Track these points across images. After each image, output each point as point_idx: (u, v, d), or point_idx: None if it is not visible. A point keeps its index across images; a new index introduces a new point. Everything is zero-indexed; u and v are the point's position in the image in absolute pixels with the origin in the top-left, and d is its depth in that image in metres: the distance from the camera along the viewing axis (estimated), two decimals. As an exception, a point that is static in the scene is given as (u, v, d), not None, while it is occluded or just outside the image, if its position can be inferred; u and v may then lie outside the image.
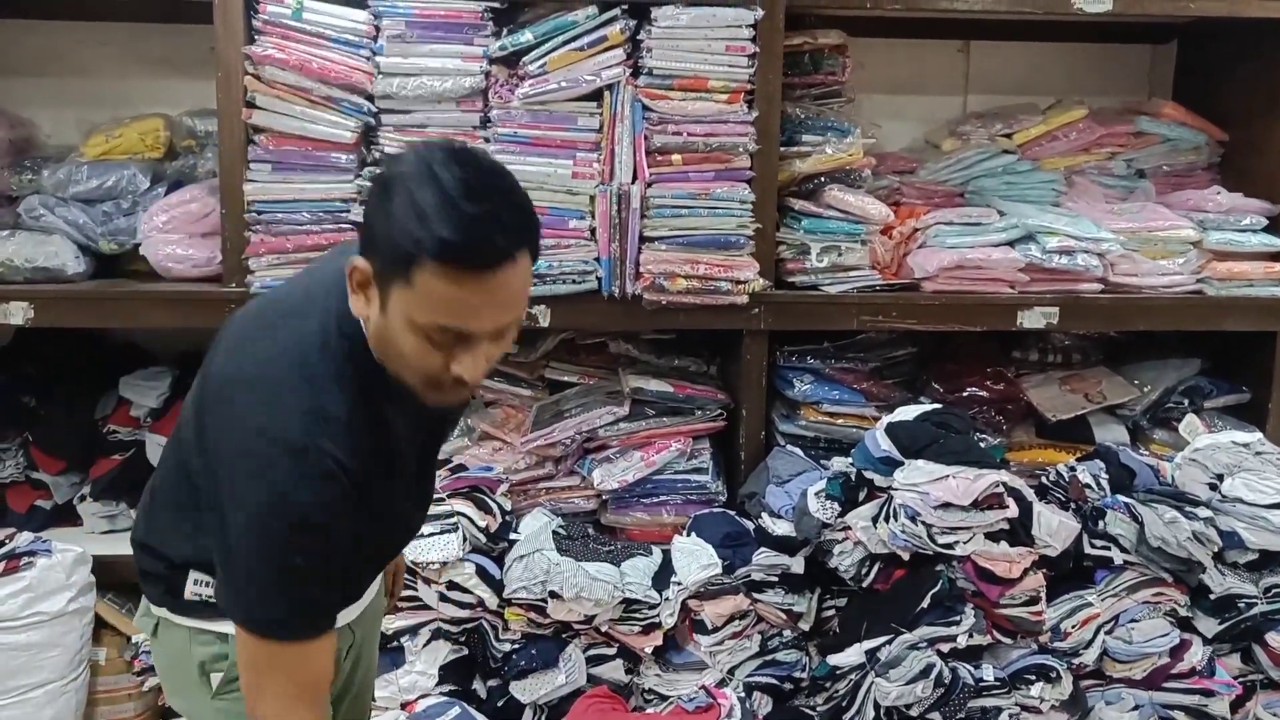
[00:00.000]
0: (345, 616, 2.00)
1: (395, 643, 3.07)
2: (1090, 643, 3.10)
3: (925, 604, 2.97)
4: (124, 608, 3.35)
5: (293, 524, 1.65)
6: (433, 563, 3.00)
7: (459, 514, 3.10)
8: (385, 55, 3.16)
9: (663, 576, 3.14)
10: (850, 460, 3.23)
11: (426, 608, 3.08)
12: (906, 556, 3.00)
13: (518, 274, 1.60)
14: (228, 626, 1.83)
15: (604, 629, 3.08)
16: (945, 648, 2.97)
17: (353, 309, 1.69)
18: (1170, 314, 3.61)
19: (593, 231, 3.25)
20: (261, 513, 1.65)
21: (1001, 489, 2.99)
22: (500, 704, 3.06)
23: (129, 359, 3.71)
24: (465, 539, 3.06)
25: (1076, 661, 3.09)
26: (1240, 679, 3.21)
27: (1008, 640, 3.07)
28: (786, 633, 3.16)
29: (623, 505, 3.46)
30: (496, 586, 3.05)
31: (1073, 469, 3.31)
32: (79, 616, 3.19)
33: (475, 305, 1.58)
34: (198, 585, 1.89)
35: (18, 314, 3.24)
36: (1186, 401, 3.72)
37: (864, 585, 3.06)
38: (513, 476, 3.41)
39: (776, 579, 3.12)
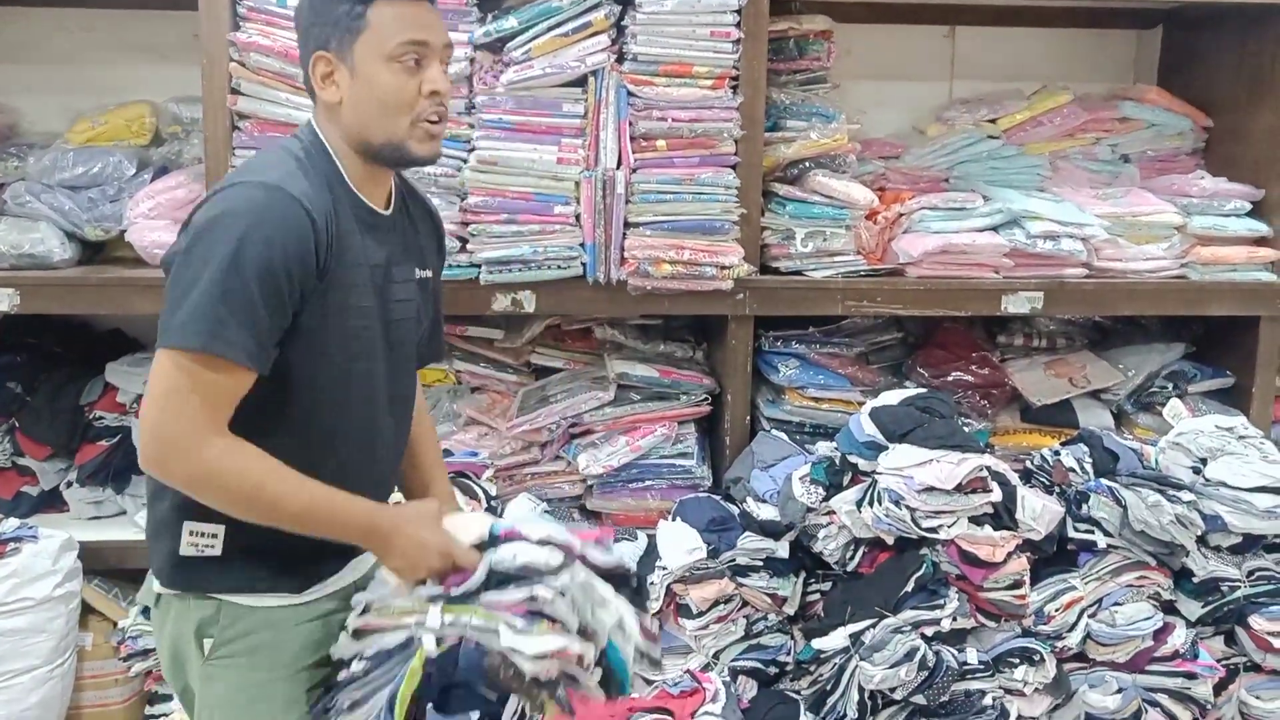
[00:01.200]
0: (347, 574, 2.11)
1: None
2: (1074, 626, 3.11)
3: (909, 588, 2.97)
4: (110, 593, 3.36)
5: (250, 236, 1.81)
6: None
7: (444, 499, 3.10)
8: (369, 41, 3.15)
9: (648, 561, 3.14)
10: (835, 445, 3.24)
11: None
12: (890, 540, 3.02)
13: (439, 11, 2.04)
14: (221, 592, 1.97)
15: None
16: (929, 631, 2.97)
17: (325, 102, 2.00)
18: (1154, 299, 3.63)
19: (578, 217, 3.25)
20: (224, 231, 1.81)
21: (985, 473, 2.99)
22: (485, 688, 3.07)
23: (115, 345, 3.71)
24: (451, 524, 3.06)
25: (1060, 645, 3.10)
26: (1223, 662, 3.23)
27: (991, 624, 3.08)
28: (771, 617, 3.16)
29: (608, 490, 3.47)
30: (483, 573, 3.05)
31: (1057, 453, 3.33)
32: (65, 602, 3.19)
33: (426, 19, 1.98)
34: (194, 537, 1.96)
35: (3, 301, 3.23)
36: (1170, 386, 3.74)
37: (848, 569, 3.08)
38: (498, 462, 3.43)
39: (761, 563, 3.12)
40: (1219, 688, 3.23)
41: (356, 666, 1.99)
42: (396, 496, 2.36)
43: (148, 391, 1.84)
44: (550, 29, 3.18)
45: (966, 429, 3.35)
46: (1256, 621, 3.19)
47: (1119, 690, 3.15)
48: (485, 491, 3.21)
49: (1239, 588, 3.19)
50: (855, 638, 2.97)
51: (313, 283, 1.90)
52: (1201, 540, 3.18)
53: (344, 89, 1.96)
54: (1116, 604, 3.13)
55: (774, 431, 3.49)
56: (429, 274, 2.24)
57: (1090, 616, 3.13)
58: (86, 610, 3.33)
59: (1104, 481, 3.21)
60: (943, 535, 2.97)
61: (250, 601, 2.00)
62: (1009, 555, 2.99)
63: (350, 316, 1.99)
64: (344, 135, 2.01)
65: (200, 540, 1.96)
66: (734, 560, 3.11)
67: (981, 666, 3.03)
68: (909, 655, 2.92)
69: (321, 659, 2.05)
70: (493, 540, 1.98)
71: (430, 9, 1.99)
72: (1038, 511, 3.06)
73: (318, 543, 1.97)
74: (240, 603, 1.99)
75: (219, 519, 1.93)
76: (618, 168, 3.24)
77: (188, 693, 2.08)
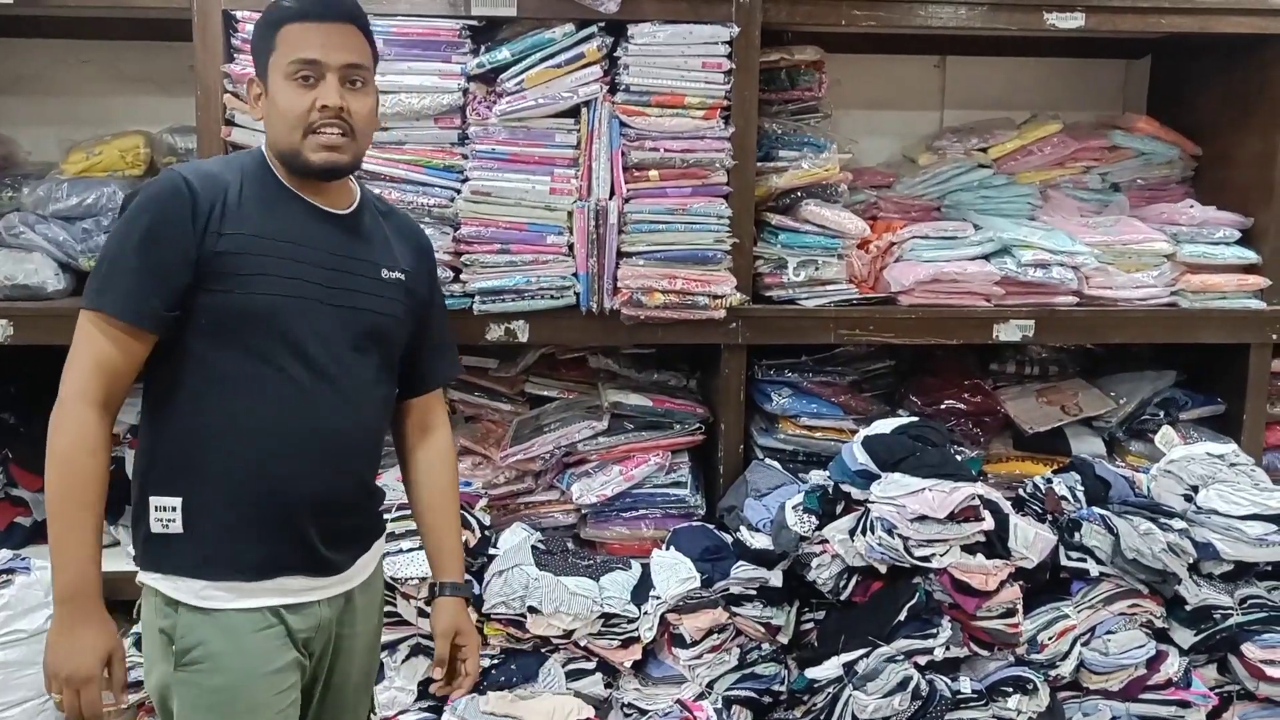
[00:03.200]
0: (312, 592, 2.18)
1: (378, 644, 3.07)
2: (1067, 654, 3.11)
3: (902, 616, 2.98)
4: (103, 625, 3.35)
5: (133, 209, 2.04)
6: (411, 578, 3.01)
7: (438, 529, 3.10)
8: (364, 73, 3.17)
9: (642, 590, 3.15)
10: (828, 474, 3.23)
11: (405, 623, 3.08)
12: (884, 569, 3.02)
13: (352, 34, 2.16)
14: (172, 588, 2.08)
15: (583, 643, 3.09)
16: (922, 660, 2.98)
17: (254, 117, 2.21)
18: (1145, 326, 3.64)
19: (570, 247, 3.27)
20: (122, 215, 2.08)
21: (977, 502, 3.00)
22: (480, 719, 3.07)
23: (109, 376, 3.70)
24: (444, 554, 3.06)
25: (1053, 673, 3.11)
26: (1216, 690, 3.24)
27: (985, 652, 3.08)
28: (765, 646, 3.17)
29: (602, 519, 3.47)
30: (475, 601, 3.05)
31: (1049, 481, 3.33)
32: (58, 634, 3.18)
33: (321, 41, 2.11)
34: (159, 512, 2.08)
35: (-3, 331, 3.24)
36: (1162, 413, 3.75)
37: (842, 598, 3.08)
38: (492, 491, 3.43)
39: (755, 592, 3.13)
40: (1212, 716, 3.23)
41: None
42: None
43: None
44: (543, 60, 3.20)
45: (959, 457, 3.35)
46: (1249, 649, 3.19)
47: (1113, 719, 3.15)
48: (479, 521, 3.22)
49: (1231, 615, 3.19)
50: (849, 667, 2.97)
51: (196, 243, 2.04)
52: (1194, 568, 3.19)
53: (263, 108, 2.17)
54: (1109, 632, 3.14)
55: (767, 460, 3.50)
56: (400, 276, 2.30)
57: (1083, 645, 3.14)
58: (79, 641, 3.31)
59: (1096, 510, 3.21)
60: (935, 564, 2.97)
61: (205, 603, 2.08)
62: (1002, 584, 3.00)
63: (264, 286, 2.09)
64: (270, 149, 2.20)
65: (164, 515, 2.08)
66: (728, 589, 3.12)
67: (975, 695, 3.02)
68: (902, 684, 2.92)
69: (287, 666, 2.14)
70: None
71: (332, 29, 2.13)
72: (1030, 540, 3.07)
73: (275, 530, 2.11)
74: (196, 605, 2.08)
75: (175, 491, 2.08)
76: (610, 198, 3.25)
77: (163, 698, 2.13)
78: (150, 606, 2.13)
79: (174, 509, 2.07)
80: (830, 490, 3.15)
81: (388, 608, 3.02)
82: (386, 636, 3.05)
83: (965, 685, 3.02)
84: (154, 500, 2.08)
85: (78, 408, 2.00)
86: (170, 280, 2.03)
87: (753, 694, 3.13)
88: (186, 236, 2.03)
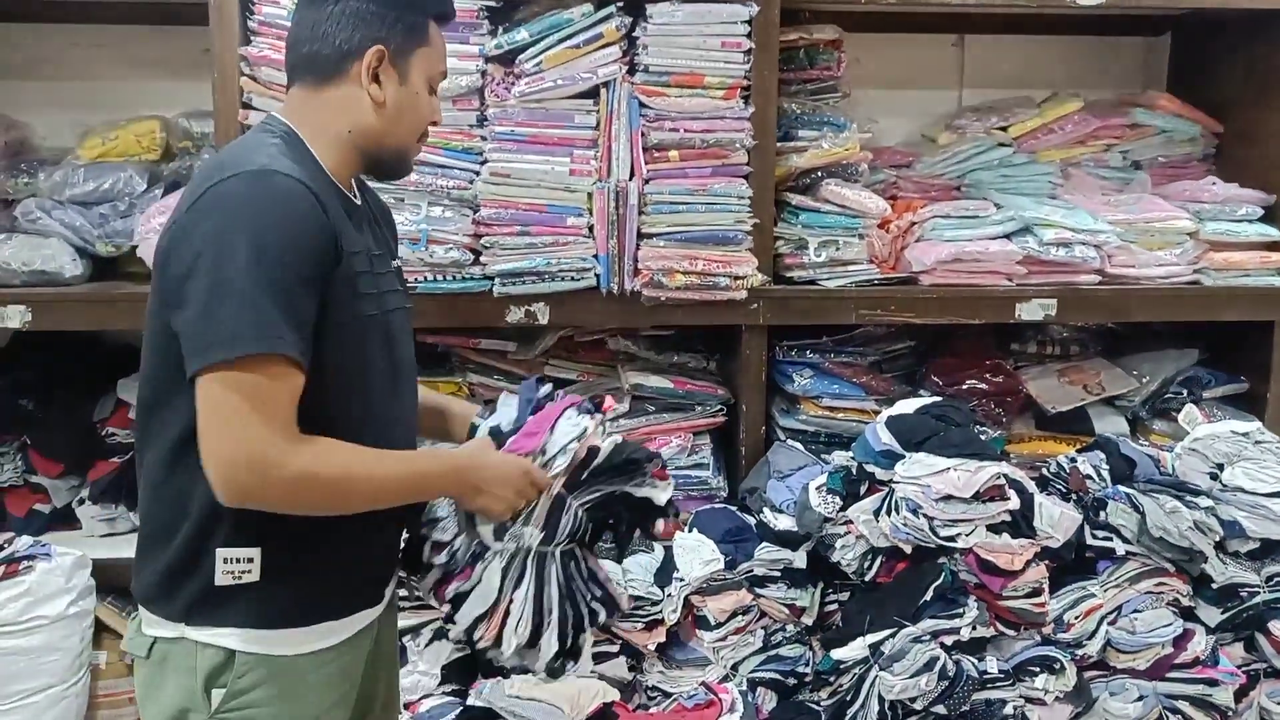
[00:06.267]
0: (365, 617, 2.03)
1: (398, 643, 3.06)
2: (1093, 634, 3.10)
3: (928, 597, 2.96)
4: (124, 611, 3.33)
5: (265, 227, 1.73)
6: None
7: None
8: (381, 54, 3.15)
9: (665, 573, 3.14)
10: (851, 454, 3.23)
11: (428, 607, 3.06)
12: (909, 549, 3.00)
13: None
14: (235, 641, 1.85)
15: (607, 626, 3.08)
16: (949, 640, 2.96)
17: (373, 98, 1.95)
18: (1168, 305, 3.61)
19: (590, 229, 3.25)
20: (236, 230, 1.72)
21: (1002, 481, 2.98)
22: (504, 703, 3.06)
23: (127, 361, 3.67)
24: (467, 537, 3.04)
25: (1080, 653, 3.09)
26: (1244, 668, 3.22)
27: (1011, 632, 3.06)
28: (790, 627, 3.15)
29: (623, 502, 3.45)
30: (498, 587, 3.03)
31: (1073, 460, 3.32)
32: (79, 620, 3.17)
33: (446, 52, 2.09)
34: (230, 564, 1.84)
35: (15, 317, 3.22)
36: (1185, 392, 3.73)
37: (866, 579, 3.06)
38: (513, 474, 3.40)
39: (779, 574, 3.12)
40: (1240, 694, 3.21)
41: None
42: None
43: (206, 425, 1.71)
44: (561, 41, 3.18)
45: (982, 437, 3.33)
46: (1276, 627, 3.18)
47: (1140, 698, 3.14)
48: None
49: (1258, 593, 3.18)
50: (874, 648, 2.96)
51: (332, 265, 1.81)
52: (1220, 546, 3.16)
53: (389, 92, 1.96)
54: (1136, 611, 3.13)
55: (789, 441, 3.48)
56: (400, 264, 2.19)
57: (1110, 624, 3.12)
58: (100, 628, 3.30)
59: (1121, 488, 3.19)
60: (961, 544, 2.96)
61: (269, 650, 1.87)
62: (1028, 563, 2.98)
63: (362, 304, 1.91)
64: (353, 131, 1.96)
65: (237, 567, 1.84)
66: (751, 571, 3.11)
67: (1002, 675, 3.01)
68: (929, 665, 2.91)
69: (341, 702, 2.00)
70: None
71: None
72: (1056, 519, 3.05)
73: (351, 563, 1.96)
74: (257, 652, 1.86)
75: (254, 540, 1.83)
76: (630, 179, 3.24)
77: None
78: (181, 663, 1.87)
79: (251, 560, 1.84)
80: (854, 471, 3.14)
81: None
82: (409, 621, 3.06)
83: (992, 665, 3.01)
84: (225, 552, 1.83)
85: (308, 444, 1.76)
86: (315, 309, 1.79)
87: (777, 675, 3.12)
88: (329, 255, 1.80)
